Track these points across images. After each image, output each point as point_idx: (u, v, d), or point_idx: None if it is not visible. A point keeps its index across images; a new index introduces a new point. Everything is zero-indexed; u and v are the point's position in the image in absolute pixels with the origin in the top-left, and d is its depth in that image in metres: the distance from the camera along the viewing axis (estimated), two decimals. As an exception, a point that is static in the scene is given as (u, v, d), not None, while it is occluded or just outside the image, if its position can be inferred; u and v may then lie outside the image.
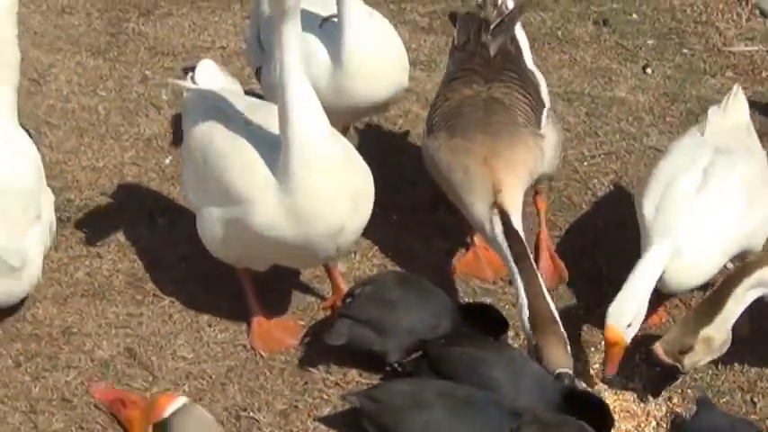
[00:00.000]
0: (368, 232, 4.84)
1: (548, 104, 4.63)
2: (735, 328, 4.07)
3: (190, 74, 4.48)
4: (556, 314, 4.05)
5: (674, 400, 4.22)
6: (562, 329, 4.02)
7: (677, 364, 4.03)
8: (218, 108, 4.24)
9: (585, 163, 5.25)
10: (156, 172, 5.21)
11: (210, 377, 4.30)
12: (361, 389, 4.15)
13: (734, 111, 4.57)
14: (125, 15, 6.17)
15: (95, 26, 6.10)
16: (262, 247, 4.12)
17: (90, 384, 2.46)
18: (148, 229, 4.90)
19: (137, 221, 4.93)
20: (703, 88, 5.71)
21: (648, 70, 5.83)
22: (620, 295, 4.10)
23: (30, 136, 4.58)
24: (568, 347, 4.01)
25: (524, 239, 4.18)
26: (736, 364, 4.30)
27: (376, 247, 4.82)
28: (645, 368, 4.24)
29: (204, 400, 4.21)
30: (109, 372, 4.28)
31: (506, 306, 4.57)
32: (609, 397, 4.16)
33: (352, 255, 4.76)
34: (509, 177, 4.27)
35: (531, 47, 4.91)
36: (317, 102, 3.97)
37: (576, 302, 4.57)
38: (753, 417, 4.15)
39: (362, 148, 5.27)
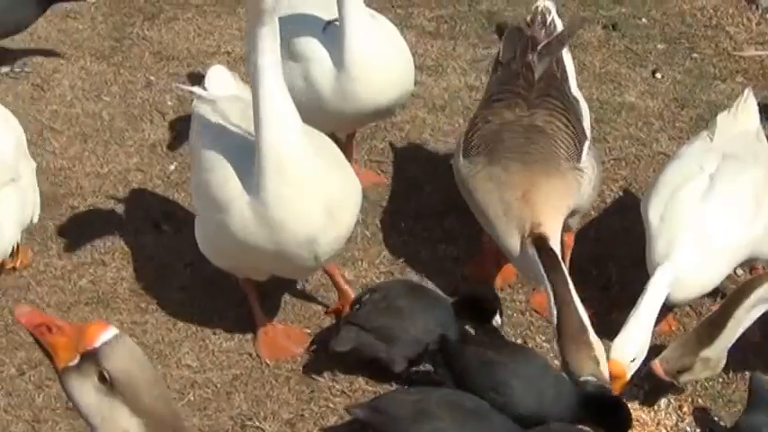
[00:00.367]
0: (375, 239, 4.88)
1: (589, 136, 4.52)
2: (745, 336, 4.06)
3: (203, 81, 4.47)
4: (586, 322, 3.98)
5: (685, 409, 4.22)
6: (591, 337, 3.96)
7: (674, 381, 4.05)
8: (222, 115, 4.24)
9: (594, 169, 5.25)
10: (161, 178, 5.21)
11: (216, 386, 4.30)
12: (367, 398, 4.16)
13: (744, 116, 4.56)
14: (130, 20, 6.18)
15: (100, 31, 6.11)
16: (242, 255, 4.11)
17: (17, 307, 2.34)
18: (153, 236, 4.91)
19: (141, 228, 4.94)
20: (713, 93, 5.71)
21: (658, 75, 5.83)
22: (624, 330, 4.06)
23: None
24: (594, 353, 3.95)
25: (560, 258, 4.10)
26: (747, 373, 4.30)
27: (383, 254, 4.82)
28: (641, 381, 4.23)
29: (209, 409, 4.21)
30: (113, 380, 4.28)
31: (514, 314, 4.58)
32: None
33: (359, 262, 4.76)
34: (548, 212, 4.17)
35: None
36: (292, 108, 3.89)
37: (586, 310, 4.55)
38: (764, 426, 4.15)
39: (369, 155, 5.32)
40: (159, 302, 4.61)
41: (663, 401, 4.22)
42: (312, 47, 4.65)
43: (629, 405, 4.15)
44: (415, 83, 5.03)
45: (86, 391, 2.43)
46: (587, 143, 4.47)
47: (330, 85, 4.61)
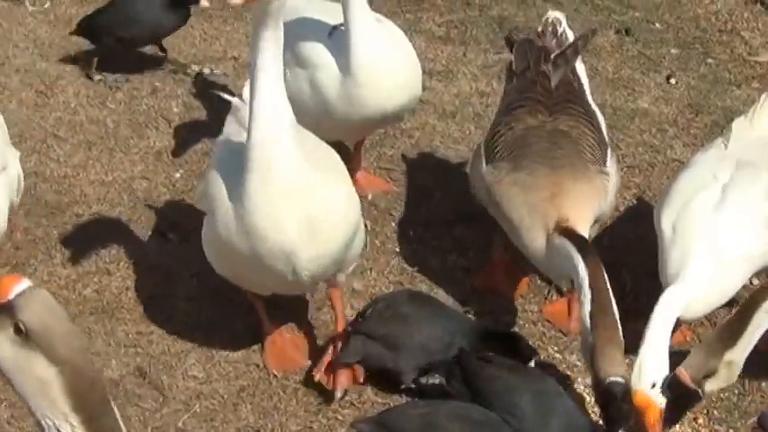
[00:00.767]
0: (384, 248, 4.89)
1: (609, 145, 4.54)
2: (760, 346, 4.06)
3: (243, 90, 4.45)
4: (618, 323, 3.97)
5: (700, 421, 4.22)
6: (621, 337, 3.95)
7: (699, 389, 4.02)
8: (243, 123, 4.20)
9: (607, 176, 5.25)
10: (167, 186, 5.23)
11: (222, 397, 4.31)
12: (376, 410, 4.17)
13: (760, 122, 4.56)
14: (134, 25, 6.19)
15: (104, 36, 6.12)
16: (228, 262, 4.10)
17: None
18: (158, 245, 4.92)
19: (147, 237, 4.96)
20: (729, 99, 5.71)
21: (672, 81, 5.84)
22: (638, 360, 4.02)
23: None
24: (623, 355, 3.93)
25: (593, 248, 4.08)
26: (763, 384, 4.30)
27: (392, 264, 4.83)
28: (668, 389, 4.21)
29: (216, 421, 4.22)
30: (118, 391, 4.29)
31: (526, 325, 4.58)
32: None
33: (368, 271, 4.77)
34: (576, 216, 4.17)
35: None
36: (286, 112, 3.85)
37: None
38: (780, 438, 4.15)
39: (378, 163, 5.33)
40: (165, 312, 4.62)
41: (678, 413, 4.21)
42: (318, 52, 4.67)
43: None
44: (425, 89, 5.05)
45: (2, 344, 2.44)
46: (609, 150, 4.50)
47: (336, 91, 4.63)
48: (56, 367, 2.44)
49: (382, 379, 4.30)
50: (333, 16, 4.77)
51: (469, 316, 4.49)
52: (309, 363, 4.41)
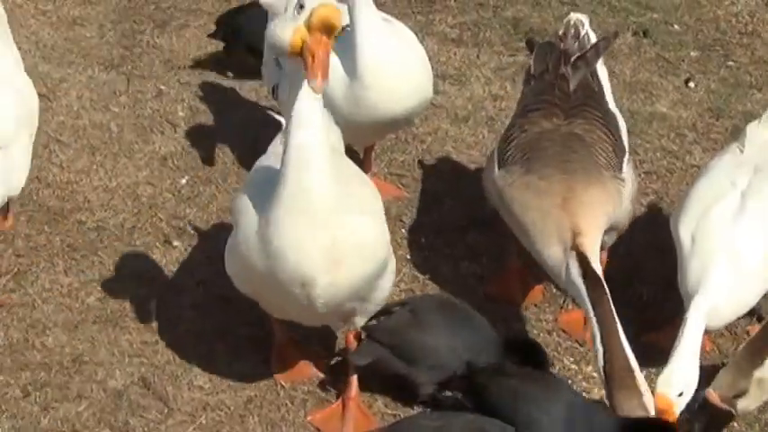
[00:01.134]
0: (395, 255, 4.87)
1: (628, 151, 4.55)
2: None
3: None
4: (634, 363, 3.96)
5: (721, 435, 4.23)
6: (640, 380, 3.94)
7: (732, 408, 4.02)
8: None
9: (624, 182, 5.25)
10: (172, 192, 5.25)
11: (229, 408, 4.32)
12: (387, 422, 4.18)
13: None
14: (139, 27, 6.22)
15: (108, 38, 6.15)
16: (248, 280, 4.04)
17: None
18: (163, 253, 4.94)
19: (151, 244, 4.97)
20: (749, 103, 5.72)
21: (691, 84, 5.84)
22: (669, 364, 4.04)
23: None
24: (646, 398, 3.92)
25: (604, 283, 4.09)
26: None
27: (404, 272, 4.83)
28: (695, 415, 4.21)
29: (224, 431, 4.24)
30: (122, 402, 4.31)
31: (540, 334, 4.59)
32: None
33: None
34: (588, 221, 4.18)
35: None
36: (324, 139, 3.79)
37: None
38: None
39: (388, 168, 5.34)
40: (170, 321, 4.63)
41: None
42: None
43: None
44: (438, 92, 5.06)
45: None
46: (627, 156, 4.50)
47: (343, 94, 4.64)
48: None
49: (395, 390, 4.31)
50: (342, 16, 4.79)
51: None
52: (318, 373, 4.41)
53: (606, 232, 4.35)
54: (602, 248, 4.43)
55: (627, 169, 4.46)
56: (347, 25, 4.65)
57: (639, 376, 3.95)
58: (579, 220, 4.18)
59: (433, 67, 4.98)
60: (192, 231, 5.03)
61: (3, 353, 4.50)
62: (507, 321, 4.62)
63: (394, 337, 4.21)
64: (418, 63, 4.80)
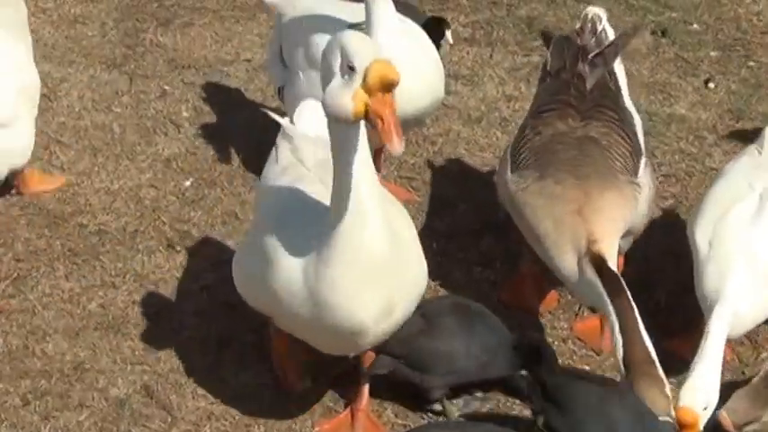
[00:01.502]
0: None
1: (644, 152, 4.55)
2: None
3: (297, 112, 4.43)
4: (653, 355, 3.99)
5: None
6: (659, 371, 3.98)
7: None
8: (297, 155, 4.17)
9: (642, 186, 5.26)
10: (176, 195, 5.27)
11: (234, 418, 4.33)
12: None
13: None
14: (142, 25, 6.25)
15: (110, 37, 6.17)
16: (278, 314, 4.02)
17: None
18: (167, 257, 4.96)
19: (154, 249, 4.99)
20: (771, 104, 5.73)
21: (711, 85, 5.85)
22: (692, 377, 4.04)
23: None
24: (667, 389, 3.96)
25: (621, 279, 4.10)
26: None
27: (413, 277, 4.84)
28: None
29: (228, 442, 4.26)
30: (124, 411, 4.33)
31: (555, 342, 4.60)
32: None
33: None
34: (604, 228, 4.19)
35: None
36: (377, 188, 3.74)
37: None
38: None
39: (398, 171, 5.35)
40: (173, 328, 4.65)
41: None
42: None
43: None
44: (450, 93, 5.08)
45: None
46: (644, 159, 4.51)
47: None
48: None
49: (404, 398, 4.32)
50: (349, 15, 4.80)
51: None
52: (326, 381, 4.43)
53: (622, 237, 4.36)
54: (618, 253, 4.42)
55: (643, 173, 4.46)
56: (357, 24, 4.67)
57: (657, 367, 3.96)
58: (595, 227, 4.19)
59: (444, 67, 5.01)
60: (197, 235, 5.05)
61: (2, 360, 4.52)
62: (521, 328, 4.61)
63: (405, 347, 4.22)
64: (430, 63, 4.82)
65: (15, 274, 4.86)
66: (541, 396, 4.02)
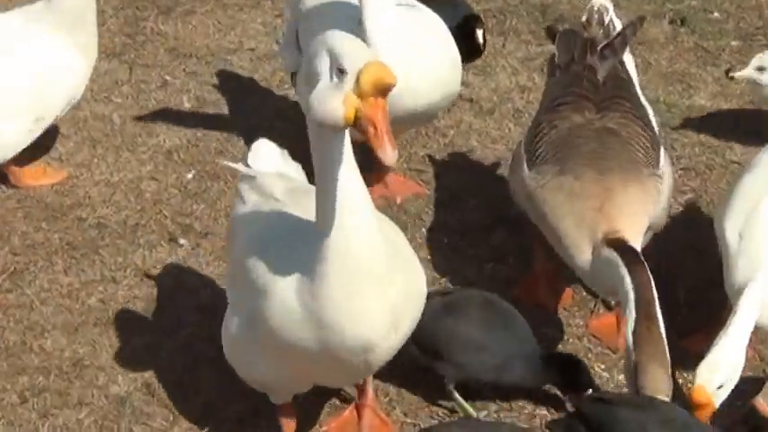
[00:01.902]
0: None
1: (662, 143, 4.58)
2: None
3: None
4: (664, 339, 4.01)
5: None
6: (667, 356, 3.98)
7: None
8: (264, 192, 4.08)
9: (660, 179, 5.28)
10: (178, 187, 5.29)
11: (237, 415, 4.35)
12: None
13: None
14: (143, 14, 6.28)
15: (109, 26, 6.20)
16: (276, 354, 3.86)
17: None
18: (168, 252, 4.99)
19: (156, 243, 5.02)
20: (794, 95, 5.73)
21: (732, 75, 5.85)
22: (712, 354, 4.06)
23: None
24: (669, 371, 3.97)
25: (642, 258, 4.10)
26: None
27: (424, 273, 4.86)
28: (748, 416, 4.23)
29: (232, 441, 4.28)
30: (125, 409, 4.35)
31: (570, 340, 4.62)
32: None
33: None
34: (627, 225, 4.20)
35: (600, 48, 4.97)
36: (367, 196, 3.61)
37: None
38: None
39: (408, 164, 5.37)
40: (175, 324, 4.67)
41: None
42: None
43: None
44: (461, 83, 5.07)
45: None
46: (663, 150, 4.53)
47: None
48: None
49: (413, 396, 4.35)
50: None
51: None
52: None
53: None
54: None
55: (664, 163, 4.48)
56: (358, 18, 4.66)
57: (666, 351, 3.96)
58: (618, 224, 4.19)
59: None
60: (199, 229, 5.08)
61: (-1, 356, 4.57)
62: (536, 326, 4.61)
63: (418, 327, 4.22)
64: (440, 54, 4.79)
65: (12, 269, 4.89)
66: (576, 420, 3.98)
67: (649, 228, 4.42)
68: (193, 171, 5.37)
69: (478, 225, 5.09)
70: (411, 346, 4.21)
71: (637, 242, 4.22)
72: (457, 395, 4.32)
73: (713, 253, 4.41)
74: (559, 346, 4.60)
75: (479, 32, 5.67)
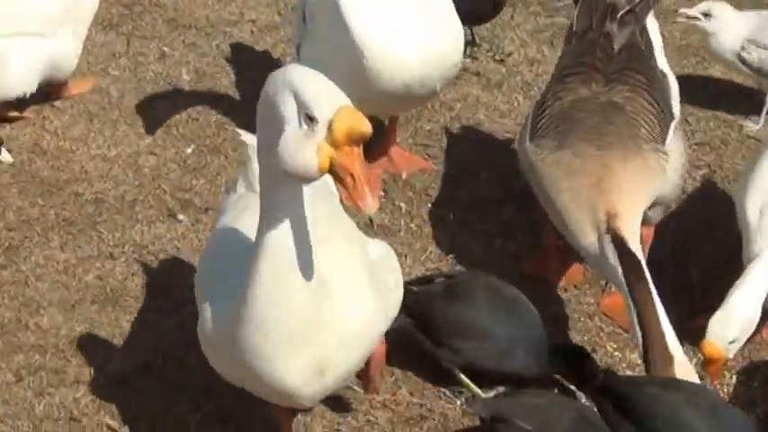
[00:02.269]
0: (421, 232, 4.94)
1: (677, 116, 4.56)
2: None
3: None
4: (676, 345, 4.00)
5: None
6: (678, 366, 3.97)
7: None
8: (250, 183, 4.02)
9: (674, 154, 5.29)
10: (177, 162, 5.31)
11: (237, 394, 4.34)
12: (412, 412, 4.23)
13: None
14: (140, -17, 6.30)
15: (106, -4, 6.22)
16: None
17: None
18: (167, 227, 5.01)
19: (154, 218, 5.04)
20: (814, 67, 5.74)
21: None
22: (725, 306, 4.10)
23: None
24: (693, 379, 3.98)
25: (644, 264, 4.11)
26: None
27: (430, 250, 4.88)
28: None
29: (231, 421, 4.28)
30: (123, 388, 4.37)
31: (581, 318, 4.63)
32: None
33: (403, 258, 4.81)
34: (626, 202, 4.20)
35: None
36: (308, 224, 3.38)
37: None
38: None
39: (414, 138, 5.39)
40: (174, 301, 4.68)
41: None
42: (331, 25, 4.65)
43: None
44: (467, 56, 5.09)
45: None
46: (674, 123, 4.51)
47: (346, 68, 4.47)
48: None
49: (420, 378, 4.36)
50: None
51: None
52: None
53: (650, 208, 4.38)
54: (648, 224, 4.48)
55: (672, 139, 4.47)
56: None
57: (680, 358, 3.97)
58: (616, 200, 4.19)
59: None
60: (199, 204, 5.09)
61: (-7, 334, 4.59)
62: (545, 304, 4.63)
63: (418, 308, 4.24)
64: (435, 23, 4.70)
65: (7, 244, 4.91)
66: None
67: (659, 204, 4.42)
68: (193, 145, 5.39)
69: (487, 200, 5.10)
70: (411, 326, 4.24)
71: (636, 220, 4.21)
72: (462, 376, 4.33)
73: (728, 230, 4.43)
74: (569, 324, 4.61)
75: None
